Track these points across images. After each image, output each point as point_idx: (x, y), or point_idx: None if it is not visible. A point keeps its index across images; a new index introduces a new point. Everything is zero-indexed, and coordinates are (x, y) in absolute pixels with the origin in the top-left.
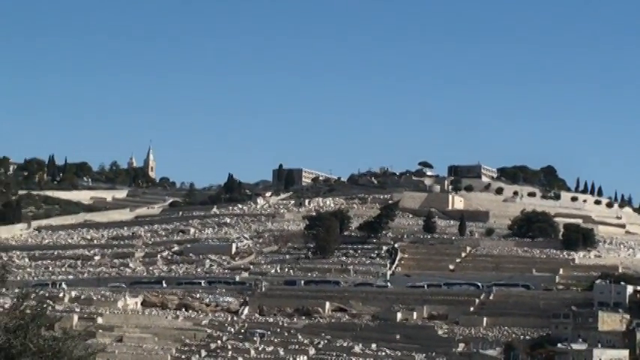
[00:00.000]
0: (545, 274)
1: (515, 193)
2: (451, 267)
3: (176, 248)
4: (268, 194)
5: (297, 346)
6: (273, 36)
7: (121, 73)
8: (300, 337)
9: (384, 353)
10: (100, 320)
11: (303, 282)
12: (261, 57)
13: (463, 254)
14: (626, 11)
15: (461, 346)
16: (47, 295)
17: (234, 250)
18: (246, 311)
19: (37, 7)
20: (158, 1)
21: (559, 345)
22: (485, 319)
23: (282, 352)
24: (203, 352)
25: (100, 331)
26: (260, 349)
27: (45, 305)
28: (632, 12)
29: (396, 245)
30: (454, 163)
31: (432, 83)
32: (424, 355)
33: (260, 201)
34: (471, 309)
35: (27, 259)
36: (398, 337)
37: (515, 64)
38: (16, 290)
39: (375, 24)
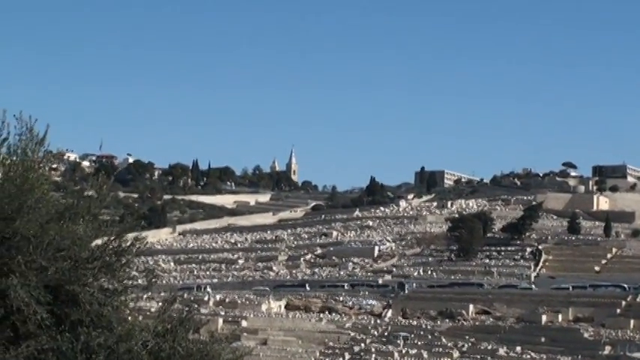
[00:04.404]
0: None
1: None
2: (597, 268)
3: (319, 251)
4: (410, 196)
5: (440, 349)
6: (410, 42)
7: (263, 78)
8: (443, 339)
9: (528, 356)
10: (244, 323)
11: (414, 284)
12: (401, 63)
13: (609, 255)
14: None
15: (607, 349)
16: (192, 298)
17: (376, 252)
18: (389, 314)
19: (178, 19)
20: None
21: None
22: (632, 321)
23: (425, 355)
24: (347, 355)
25: (245, 334)
26: (403, 352)
27: (192, 309)
28: None
29: (540, 247)
30: (599, 163)
31: (575, 82)
32: (570, 358)
33: (402, 203)
34: (618, 311)
35: (172, 263)
36: (543, 339)
37: None
38: (162, 294)
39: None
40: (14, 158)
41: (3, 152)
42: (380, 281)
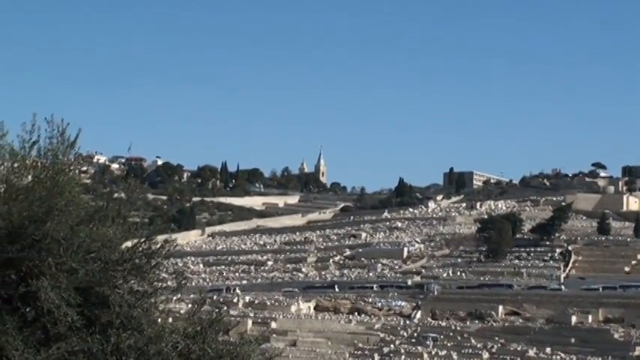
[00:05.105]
0: None
1: None
2: (626, 269)
3: (348, 253)
4: (439, 197)
5: (470, 350)
6: (438, 42)
7: (291, 79)
8: (473, 340)
9: (558, 357)
10: (273, 325)
11: (435, 286)
12: (430, 63)
13: (639, 256)
14: None
15: (638, 350)
16: (222, 300)
17: (405, 253)
18: (418, 315)
19: (202, 21)
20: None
21: None
22: None
23: (455, 356)
24: (376, 356)
25: (274, 335)
26: (433, 353)
27: (222, 310)
28: None
29: (569, 247)
30: (628, 163)
31: (605, 82)
32: (600, 358)
33: (431, 204)
34: None
35: (201, 265)
36: (573, 340)
37: None
38: (192, 296)
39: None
40: (44, 161)
41: (33, 155)
42: (409, 282)
